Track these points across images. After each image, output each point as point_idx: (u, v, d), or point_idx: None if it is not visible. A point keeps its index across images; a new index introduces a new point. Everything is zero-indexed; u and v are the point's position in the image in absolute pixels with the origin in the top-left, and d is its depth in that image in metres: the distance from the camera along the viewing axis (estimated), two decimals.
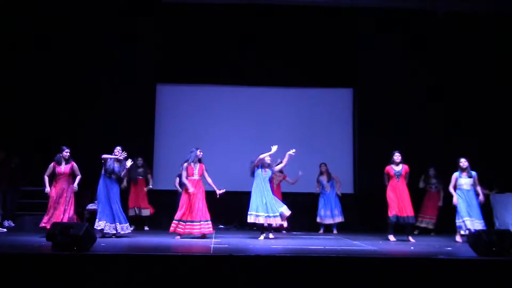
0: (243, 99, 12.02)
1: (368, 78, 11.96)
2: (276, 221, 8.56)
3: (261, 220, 8.50)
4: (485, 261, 6.03)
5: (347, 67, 12.11)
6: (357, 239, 8.74)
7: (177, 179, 10.01)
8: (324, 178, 10.57)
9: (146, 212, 10.37)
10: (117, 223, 8.42)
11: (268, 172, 8.76)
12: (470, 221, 8.52)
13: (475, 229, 8.22)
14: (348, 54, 12.05)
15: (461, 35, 11.78)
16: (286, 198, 10.56)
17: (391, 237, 8.67)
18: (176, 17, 11.76)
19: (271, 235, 8.71)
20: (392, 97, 11.73)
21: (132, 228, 9.90)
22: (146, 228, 10.29)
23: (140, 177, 10.35)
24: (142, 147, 11.26)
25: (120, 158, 8.52)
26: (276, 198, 8.82)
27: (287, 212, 8.63)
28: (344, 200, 10.83)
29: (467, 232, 8.45)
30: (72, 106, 11.32)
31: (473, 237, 6.73)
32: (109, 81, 11.46)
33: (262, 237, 8.61)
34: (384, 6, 11.65)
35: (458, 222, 8.66)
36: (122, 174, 8.61)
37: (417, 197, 10.06)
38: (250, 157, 11.54)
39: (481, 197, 8.69)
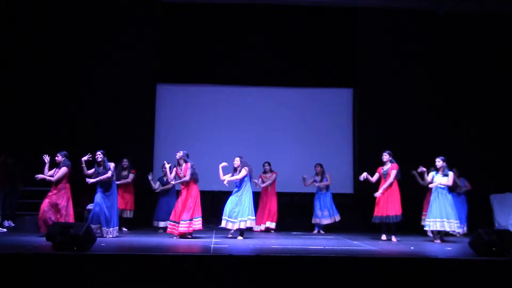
0: (243, 99, 12.02)
1: (368, 78, 11.96)
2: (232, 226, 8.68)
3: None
4: (485, 261, 6.03)
5: (347, 67, 12.12)
6: (357, 239, 8.74)
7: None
8: (318, 179, 10.50)
9: (129, 214, 10.10)
10: (104, 227, 8.38)
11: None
12: (440, 222, 8.46)
13: (442, 230, 8.43)
14: (348, 54, 12.06)
15: (461, 35, 11.78)
16: (284, 198, 10.57)
17: (383, 237, 8.75)
18: (176, 17, 11.77)
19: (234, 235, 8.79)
20: (392, 97, 11.73)
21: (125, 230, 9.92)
22: (125, 229, 10.15)
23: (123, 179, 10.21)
24: (142, 147, 11.27)
25: (98, 160, 8.53)
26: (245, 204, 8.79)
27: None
28: (344, 200, 10.84)
29: (429, 231, 8.77)
30: (72, 106, 11.32)
31: (473, 237, 6.74)
32: (109, 81, 11.45)
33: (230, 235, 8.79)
34: (384, 6, 11.66)
35: (427, 220, 8.65)
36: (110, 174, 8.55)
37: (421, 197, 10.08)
38: (248, 157, 11.61)
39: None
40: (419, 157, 10.12)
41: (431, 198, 8.69)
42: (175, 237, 8.47)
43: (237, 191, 8.78)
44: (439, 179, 8.61)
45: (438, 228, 8.46)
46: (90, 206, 9.49)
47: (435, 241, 8.54)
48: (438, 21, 11.70)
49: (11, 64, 11.24)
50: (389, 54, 11.80)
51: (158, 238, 8.48)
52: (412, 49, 11.81)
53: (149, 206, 10.35)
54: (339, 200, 10.64)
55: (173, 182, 8.97)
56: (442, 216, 8.45)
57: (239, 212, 8.63)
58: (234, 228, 8.67)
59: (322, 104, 12.06)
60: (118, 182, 9.45)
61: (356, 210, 11.09)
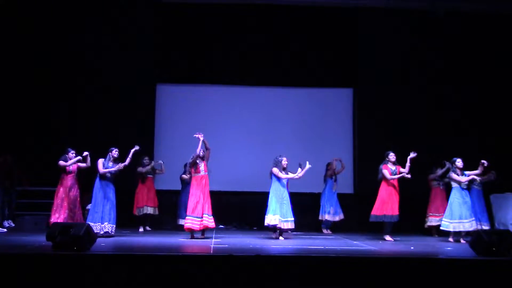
0: (243, 99, 12.02)
1: (368, 78, 11.96)
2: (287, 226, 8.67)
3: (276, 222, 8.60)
4: (485, 261, 6.03)
5: (347, 67, 12.11)
6: (357, 239, 8.75)
7: (184, 176, 10.13)
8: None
9: (154, 210, 10.22)
10: (106, 223, 8.49)
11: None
12: (457, 223, 8.50)
13: (467, 230, 8.39)
14: (348, 54, 12.05)
15: (461, 35, 11.78)
16: None
17: (388, 237, 8.69)
18: (176, 17, 11.76)
19: (281, 237, 8.72)
20: (392, 97, 11.73)
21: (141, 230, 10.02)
22: (148, 228, 10.21)
23: (149, 175, 10.29)
24: (142, 147, 11.25)
25: (115, 156, 8.75)
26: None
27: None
28: (344, 200, 10.83)
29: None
30: (72, 106, 11.33)
31: (473, 237, 6.74)
32: (109, 81, 11.45)
33: (279, 237, 8.70)
34: (384, 6, 11.66)
35: (445, 221, 8.68)
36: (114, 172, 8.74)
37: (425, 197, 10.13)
38: (249, 157, 11.62)
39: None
40: (419, 158, 10.12)
41: (455, 200, 8.68)
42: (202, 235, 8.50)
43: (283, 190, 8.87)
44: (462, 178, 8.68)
45: (461, 229, 8.46)
46: (90, 206, 9.49)
47: (450, 239, 8.63)
48: (438, 21, 11.70)
49: (11, 64, 11.23)
50: (389, 54, 11.79)
51: (159, 238, 8.48)
52: (412, 49, 11.80)
53: (173, 205, 10.39)
54: (339, 200, 10.64)
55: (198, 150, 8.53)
56: (462, 217, 8.50)
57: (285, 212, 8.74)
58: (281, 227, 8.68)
59: (322, 104, 12.05)
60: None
61: (356, 210, 11.08)
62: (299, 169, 8.78)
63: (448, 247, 7.79)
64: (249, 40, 11.79)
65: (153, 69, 11.74)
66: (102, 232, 8.34)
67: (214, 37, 11.77)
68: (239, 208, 11.32)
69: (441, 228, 8.87)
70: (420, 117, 11.71)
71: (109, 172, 8.61)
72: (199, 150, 8.49)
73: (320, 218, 10.55)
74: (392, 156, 8.80)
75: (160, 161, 10.37)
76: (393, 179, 8.67)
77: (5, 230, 9.39)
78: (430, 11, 11.64)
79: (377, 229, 9.09)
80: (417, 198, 10.01)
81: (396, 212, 8.62)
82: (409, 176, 8.60)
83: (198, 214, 8.32)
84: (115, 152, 8.76)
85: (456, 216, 8.55)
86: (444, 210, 9.90)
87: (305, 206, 10.71)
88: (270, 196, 8.76)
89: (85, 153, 8.74)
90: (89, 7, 11.37)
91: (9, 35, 11.23)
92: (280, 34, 11.82)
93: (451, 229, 8.58)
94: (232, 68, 11.87)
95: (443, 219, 8.77)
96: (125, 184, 9.26)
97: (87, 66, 11.41)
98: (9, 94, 11.19)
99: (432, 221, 9.97)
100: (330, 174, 10.59)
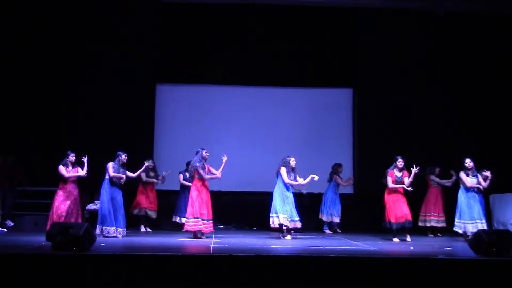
0: (243, 99, 12.02)
1: (368, 78, 11.96)
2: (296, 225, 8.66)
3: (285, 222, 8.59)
4: (485, 261, 6.04)
5: (347, 67, 12.11)
6: (357, 239, 8.74)
7: (181, 176, 10.12)
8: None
9: (154, 214, 10.22)
10: (118, 228, 8.54)
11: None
12: (471, 224, 8.52)
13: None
14: (348, 54, 12.05)
15: (461, 35, 11.78)
16: None
17: (395, 239, 8.66)
18: (176, 17, 11.77)
19: (288, 237, 8.70)
20: (392, 97, 11.73)
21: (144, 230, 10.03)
22: (149, 229, 10.21)
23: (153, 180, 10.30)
24: (142, 147, 11.27)
25: (124, 161, 8.74)
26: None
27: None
28: (344, 200, 10.83)
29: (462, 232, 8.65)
30: (72, 106, 11.33)
31: (473, 237, 6.74)
32: (109, 81, 11.45)
33: (288, 237, 8.68)
34: (384, 6, 11.66)
35: (458, 222, 8.70)
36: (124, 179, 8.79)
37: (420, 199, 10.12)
38: (249, 157, 11.62)
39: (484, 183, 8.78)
40: (419, 157, 10.12)
41: (462, 200, 8.70)
42: (204, 236, 8.50)
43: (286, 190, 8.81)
44: (470, 180, 8.68)
45: (472, 230, 8.35)
46: (90, 206, 9.50)
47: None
48: (438, 21, 11.70)
49: (11, 64, 11.23)
50: (389, 54, 11.79)
51: (159, 238, 8.48)
52: (412, 49, 11.81)
53: (172, 205, 10.39)
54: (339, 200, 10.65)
55: (207, 176, 8.57)
56: (472, 218, 8.53)
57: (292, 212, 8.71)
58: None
59: (322, 104, 12.05)
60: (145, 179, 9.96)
61: (356, 210, 11.09)
62: (302, 179, 8.78)
63: (448, 247, 7.78)
64: (249, 40, 11.78)
65: (153, 69, 11.74)
66: (119, 236, 8.49)
67: (214, 37, 11.77)
68: (239, 208, 11.33)
69: (454, 229, 8.80)
70: (420, 117, 11.70)
71: (119, 178, 8.64)
72: (219, 173, 8.61)
73: (324, 219, 10.53)
74: (400, 163, 8.73)
75: (167, 172, 10.29)
76: (393, 187, 8.66)
77: (5, 230, 9.39)
78: (430, 11, 11.65)
79: (377, 229, 9.09)
80: (416, 199, 10.00)
81: (406, 218, 8.52)
82: (409, 189, 8.57)
83: (209, 217, 8.43)
84: (124, 157, 8.76)
85: (468, 217, 8.57)
86: (438, 210, 9.96)
87: (305, 206, 10.71)
88: (274, 195, 8.73)
89: (84, 159, 8.73)
90: (89, 7, 11.37)
91: (9, 35, 11.22)
92: (280, 34, 11.81)
93: (469, 230, 8.51)
94: (232, 68, 11.87)
95: (456, 220, 8.73)
96: (124, 185, 9.24)
97: (87, 66, 11.41)
98: (9, 94, 11.19)
99: (426, 221, 9.98)
100: (340, 183, 10.59)
